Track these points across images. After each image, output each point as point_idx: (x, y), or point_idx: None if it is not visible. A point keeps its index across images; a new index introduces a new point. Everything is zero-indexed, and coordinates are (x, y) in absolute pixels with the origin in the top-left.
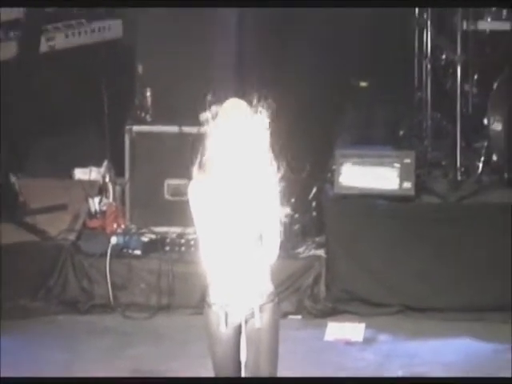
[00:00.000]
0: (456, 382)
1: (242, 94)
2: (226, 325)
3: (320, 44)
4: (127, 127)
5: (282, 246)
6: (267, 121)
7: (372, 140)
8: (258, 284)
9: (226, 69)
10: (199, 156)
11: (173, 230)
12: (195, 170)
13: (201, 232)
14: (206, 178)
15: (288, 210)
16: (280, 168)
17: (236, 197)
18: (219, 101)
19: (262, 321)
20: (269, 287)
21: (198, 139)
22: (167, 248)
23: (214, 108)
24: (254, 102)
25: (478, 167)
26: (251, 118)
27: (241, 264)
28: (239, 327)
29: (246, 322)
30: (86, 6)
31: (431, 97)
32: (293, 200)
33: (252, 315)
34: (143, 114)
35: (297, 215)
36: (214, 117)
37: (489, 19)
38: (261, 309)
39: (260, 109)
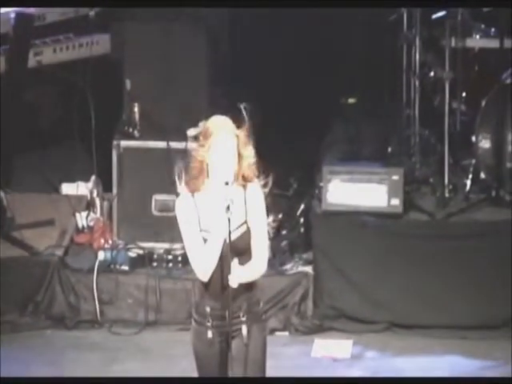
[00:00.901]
0: (456, 382)
1: (228, 110)
2: (214, 341)
3: (308, 60)
4: (115, 142)
5: (270, 263)
6: (252, 137)
7: (360, 156)
8: (245, 300)
9: (213, 85)
10: (186, 171)
11: (160, 246)
12: (182, 185)
13: (189, 247)
14: (194, 193)
15: (273, 222)
16: (267, 183)
17: (223, 212)
18: (206, 117)
19: (249, 337)
20: (256, 303)
21: (186, 155)
22: (154, 264)
23: (200, 124)
24: (240, 118)
25: (465, 185)
26: (237, 133)
27: (229, 279)
28: (226, 344)
29: (234, 338)
30: (86, 5)
31: (419, 114)
32: (280, 216)
33: (239, 332)
34: (131, 130)
35: (284, 232)
36: (201, 132)
37: (477, 36)
38: (248, 325)
39: (245, 125)
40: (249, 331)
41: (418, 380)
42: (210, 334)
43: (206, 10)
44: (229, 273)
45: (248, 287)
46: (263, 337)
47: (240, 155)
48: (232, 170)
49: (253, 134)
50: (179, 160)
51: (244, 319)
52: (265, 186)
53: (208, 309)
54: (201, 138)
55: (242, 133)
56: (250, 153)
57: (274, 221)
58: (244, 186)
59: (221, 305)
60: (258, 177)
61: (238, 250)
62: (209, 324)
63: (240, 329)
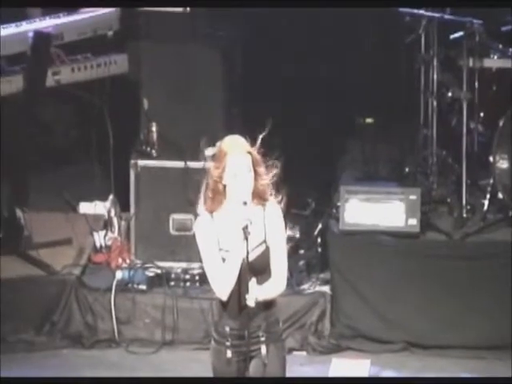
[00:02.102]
0: (456, 382)
1: (243, 130)
2: (232, 361)
3: (326, 80)
4: (132, 162)
5: (287, 282)
6: (268, 157)
7: (377, 176)
8: (264, 319)
9: (229, 104)
10: (205, 191)
11: (178, 265)
12: (201, 205)
13: (208, 267)
14: (212, 213)
15: (293, 234)
16: (281, 199)
17: (242, 231)
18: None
19: (268, 357)
20: (276, 323)
21: (203, 174)
22: (172, 283)
23: (218, 144)
24: (257, 138)
25: (483, 205)
26: (250, 151)
27: (248, 299)
28: (245, 363)
29: (253, 357)
30: (87, 6)
31: (437, 134)
32: (298, 236)
33: (259, 351)
34: (149, 149)
35: (302, 251)
36: (218, 153)
37: (495, 57)
38: (267, 345)
39: (260, 145)
40: (268, 351)
41: (418, 380)
42: (229, 354)
43: (220, 31)
44: (247, 292)
45: (267, 306)
46: (282, 356)
47: (255, 173)
48: (248, 189)
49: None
50: (197, 180)
51: (263, 339)
52: (279, 202)
53: (227, 328)
54: (215, 158)
55: (256, 151)
56: (264, 171)
57: (290, 239)
58: (263, 205)
59: (240, 324)
60: (275, 195)
61: (257, 269)
62: (228, 343)
63: (259, 348)
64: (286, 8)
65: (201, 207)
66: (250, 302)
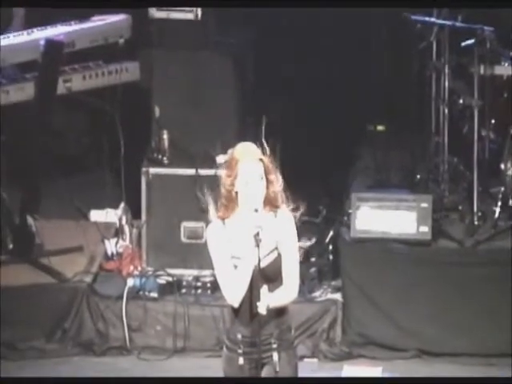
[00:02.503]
0: (456, 382)
1: (255, 137)
2: (244, 368)
3: (337, 88)
4: (144, 169)
5: (298, 290)
6: (278, 163)
7: (389, 184)
8: (276, 327)
9: (240, 112)
10: (217, 199)
11: (189, 273)
12: (213, 212)
13: (219, 274)
14: (224, 220)
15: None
16: (298, 207)
17: (253, 239)
18: (234, 144)
19: (280, 364)
20: (288, 330)
21: (215, 182)
22: (183, 290)
23: (229, 151)
24: (267, 145)
25: (494, 212)
26: (262, 158)
27: (259, 306)
28: (257, 370)
29: (265, 365)
30: (88, 6)
31: (448, 141)
32: (309, 243)
33: (270, 358)
34: (160, 157)
35: (313, 258)
36: (229, 160)
37: (506, 64)
38: (279, 352)
39: (271, 152)
40: (280, 358)
41: (418, 380)
42: (240, 361)
43: (232, 38)
44: (258, 299)
45: (279, 314)
46: (294, 363)
47: (267, 180)
48: (260, 196)
49: (280, 161)
50: (209, 187)
51: (275, 346)
52: (295, 210)
53: (239, 335)
54: (227, 165)
55: (268, 158)
56: (276, 178)
57: (302, 247)
58: (275, 212)
59: (251, 331)
60: (287, 203)
61: (269, 276)
62: (240, 351)
63: (271, 355)
64: (298, 16)
65: (213, 214)
66: (262, 309)
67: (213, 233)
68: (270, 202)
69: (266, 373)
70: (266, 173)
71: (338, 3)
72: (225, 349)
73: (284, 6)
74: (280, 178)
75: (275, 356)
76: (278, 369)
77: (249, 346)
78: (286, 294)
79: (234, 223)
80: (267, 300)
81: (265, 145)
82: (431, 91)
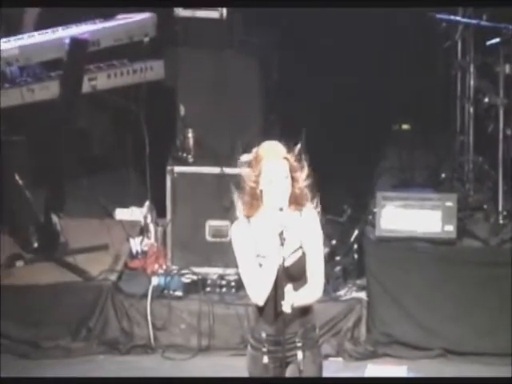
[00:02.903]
0: (457, 382)
1: (280, 137)
2: (269, 367)
3: (362, 87)
4: (169, 168)
5: (323, 289)
6: (305, 162)
7: (413, 183)
8: (301, 325)
9: (265, 111)
10: (242, 197)
11: (214, 271)
12: (239, 210)
13: (244, 272)
14: (249, 218)
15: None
16: (317, 204)
17: (277, 238)
18: (258, 143)
19: (304, 363)
20: (312, 329)
21: (239, 180)
22: (208, 289)
23: (254, 150)
24: (293, 144)
25: None
26: (286, 157)
27: (283, 305)
28: (281, 369)
29: (289, 364)
30: (88, 6)
31: (473, 140)
32: (334, 242)
33: (295, 357)
34: (185, 155)
35: (338, 257)
36: (254, 158)
37: None
38: (304, 351)
39: (297, 151)
40: (304, 357)
41: (418, 380)
42: (265, 360)
43: (257, 38)
44: (283, 298)
45: (304, 312)
46: (319, 363)
47: (292, 179)
48: (284, 194)
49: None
50: (234, 186)
51: (300, 345)
52: (316, 208)
53: (264, 334)
54: (252, 164)
55: (293, 157)
56: (301, 176)
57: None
58: (300, 211)
59: (275, 330)
60: (312, 200)
61: (294, 274)
62: (264, 349)
63: (295, 355)
64: (322, 16)
65: (239, 213)
66: (286, 308)
67: (238, 231)
68: (296, 201)
69: (290, 372)
70: (291, 171)
71: (364, 3)
72: (249, 347)
73: (310, 6)
74: (305, 176)
75: (300, 355)
76: (301, 367)
77: (273, 345)
78: (310, 292)
79: (259, 222)
80: (292, 299)
81: (291, 144)
82: (456, 90)
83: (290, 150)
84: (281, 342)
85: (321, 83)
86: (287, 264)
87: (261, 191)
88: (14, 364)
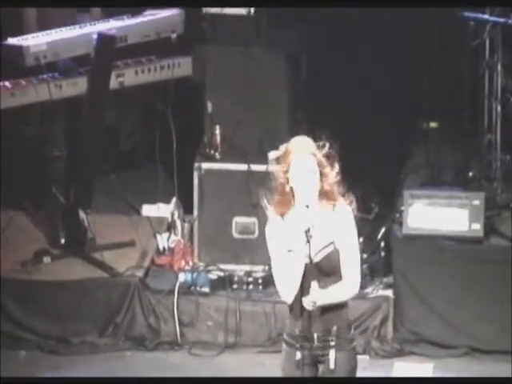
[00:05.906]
0: (457, 382)
1: (309, 134)
2: (301, 363)
3: (390, 85)
4: (196, 164)
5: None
6: (334, 158)
7: (441, 181)
8: (335, 323)
9: (293, 109)
10: (272, 194)
11: (241, 268)
12: (271, 208)
13: (275, 270)
14: (282, 215)
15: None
16: (352, 201)
17: (305, 234)
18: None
19: (336, 363)
20: (346, 328)
21: (266, 177)
22: (235, 286)
23: (281, 147)
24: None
25: None
26: (314, 153)
27: (304, 302)
28: (314, 367)
29: (321, 362)
30: (88, 5)
31: (501, 139)
32: (361, 240)
33: (327, 356)
34: (212, 152)
35: (365, 255)
36: (283, 154)
37: None
38: (336, 351)
39: (326, 147)
40: (336, 357)
41: (419, 380)
42: (298, 356)
43: (284, 35)
44: (318, 295)
45: (337, 310)
46: (351, 365)
47: (321, 174)
48: (312, 191)
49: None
50: (263, 183)
51: (332, 344)
52: (350, 203)
53: (297, 330)
54: (281, 160)
55: (321, 152)
56: (331, 173)
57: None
58: (332, 206)
59: (302, 327)
60: (344, 196)
61: (324, 270)
62: (297, 345)
63: (328, 353)
64: (350, 14)
65: (271, 210)
66: (307, 304)
67: (271, 229)
68: (326, 196)
69: (322, 370)
70: (320, 167)
71: (392, 3)
72: (284, 344)
73: (337, 5)
74: (335, 173)
75: (332, 354)
76: (332, 366)
77: (305, 341)
78: (344, 289)
79: (291, 218)
80: (315, 296)
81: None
82: (484, 89)
83: (319, 146)
84: (312, 339)
85: (349, 81)
86: (317, 259)
87: (291, 188)
88: (42, 359)
